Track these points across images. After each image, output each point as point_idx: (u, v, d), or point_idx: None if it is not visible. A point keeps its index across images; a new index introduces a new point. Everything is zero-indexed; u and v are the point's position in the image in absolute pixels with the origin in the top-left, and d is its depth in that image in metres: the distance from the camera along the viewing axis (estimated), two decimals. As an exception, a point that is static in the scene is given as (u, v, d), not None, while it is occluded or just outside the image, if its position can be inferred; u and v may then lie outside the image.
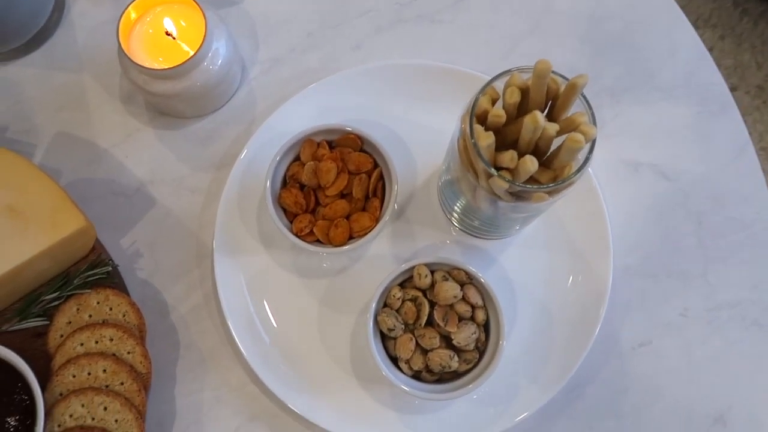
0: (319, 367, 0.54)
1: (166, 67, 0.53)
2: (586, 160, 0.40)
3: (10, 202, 0.49)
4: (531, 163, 0.39)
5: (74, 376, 0.50)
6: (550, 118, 0.43)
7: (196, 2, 0.54)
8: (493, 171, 0.40)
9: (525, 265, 0.56)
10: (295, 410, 0.52)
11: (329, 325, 0.55)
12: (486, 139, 0.39)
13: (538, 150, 0.42)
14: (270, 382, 0.52)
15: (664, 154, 0.59)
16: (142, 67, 0.53)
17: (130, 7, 0.53)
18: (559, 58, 0.61)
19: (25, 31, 0.60)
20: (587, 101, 0.41)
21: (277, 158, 0.52)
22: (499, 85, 0.42)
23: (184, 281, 0.56)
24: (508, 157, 0.40)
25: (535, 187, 0.40)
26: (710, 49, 1.25)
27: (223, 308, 0.54)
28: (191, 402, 0.54)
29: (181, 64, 0.53)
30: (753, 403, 0.54)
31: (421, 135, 0.58)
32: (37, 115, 0.60)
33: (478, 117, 0.42)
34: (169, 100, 0.56)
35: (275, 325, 0.55)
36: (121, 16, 0.53)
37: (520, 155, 0.40)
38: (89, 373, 0.50)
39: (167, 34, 0.55)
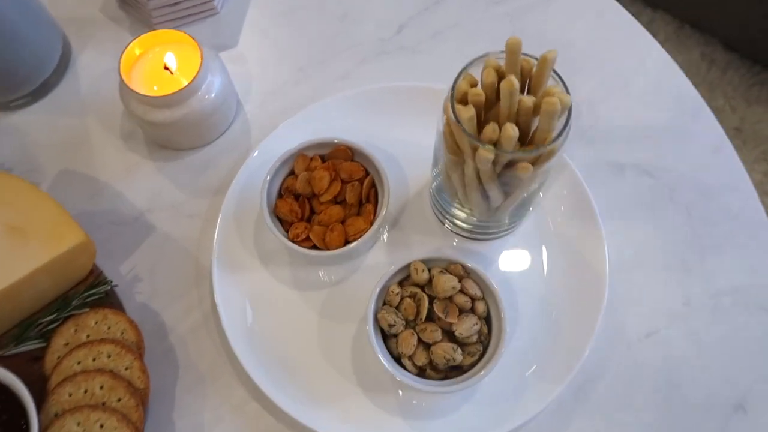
0: (323, 378, 0.53)
1: (164, 94, 0.56)
2: (566, 125, 0.42)
3: (11, 220, 0.50)
4: (512, 129, 0.40)
5: (70, 395, 0.49)
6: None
7: (193, 39, 0.58)
8: (477, 142, 0.42)
9: (522, 264, 0.56)
10: (301, 422, 0.50)
11: (330, 336, 0.54)
12: (467, 112, 0.41)
13: (520, 129, 0.44)
14: (273, 396, 0.50)
15: (645, 154, 0.61)
16: (142, 95, 0.56)
17: (134, 42, 0.57)
18: (534, 73, 0.65)
19: (32, 81, 0.64)
20: (560, 76, 0.43)
21: (272, 172, 0.54)
22: (476, 72, 0.45)
23: (182, 302, 0.56)
24: (490, 130, 0.42)
25: (519, 152, 0.42)
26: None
27: (223, 324, 0.53)
28: (191, 423, 0.52)
29: (178, 91, 0.56)
30: (770, 388, 0.52)
31: (408, 150, 0.60)
32: (41, 156, 0.63)
33: (458, 100, 0.44)
34: (168, 130, 0.59)
35: (276, 339, 0.54)
36: (123, 51, 0.57)
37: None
38: (86, 391, 0.49)
39: (165, 68, 0.59)
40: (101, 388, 0.49)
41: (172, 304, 0.56)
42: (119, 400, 0.49)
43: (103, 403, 0.49)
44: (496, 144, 0.43)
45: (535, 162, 0.43)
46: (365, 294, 0.53)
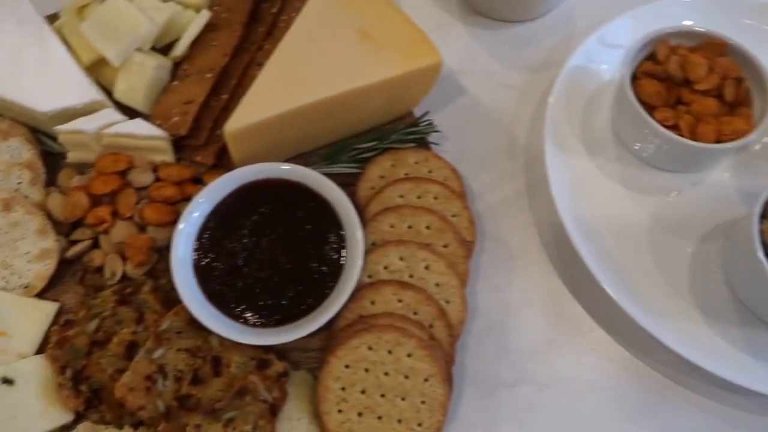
0: (653, 287, 0.45)
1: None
2: None
3: (364, 26, 0.45)
4: None
5: (392, 227, 0.43)
6: None
7: None
8: None
9: None
10: (632, 316, 0.42)
11: (664, 247, 0.47)
12: None
13: None
14: (606, 285, 0.43)
15: None
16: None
17: None
18: None
19: None
20: None
21: (634, 50, 0.47)
22: None
23: (492, 172, 0.50)
24: None
25: None
26: None
27: (556, 204, 0.46)
28: (497, 299, 0.45)
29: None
30: None
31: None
32: None
33: None
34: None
35: (601, 232, 0.47)
36: None
37: None
38: (410, 227, 0.43)
39: None
40: (427, 228, 0.43)
41: (480, 172, 0.50)
42: (446, 246, 0.43)
43: (428, 245, 0.42)
44: None
45: None
46: (704, 213, 0.46)
